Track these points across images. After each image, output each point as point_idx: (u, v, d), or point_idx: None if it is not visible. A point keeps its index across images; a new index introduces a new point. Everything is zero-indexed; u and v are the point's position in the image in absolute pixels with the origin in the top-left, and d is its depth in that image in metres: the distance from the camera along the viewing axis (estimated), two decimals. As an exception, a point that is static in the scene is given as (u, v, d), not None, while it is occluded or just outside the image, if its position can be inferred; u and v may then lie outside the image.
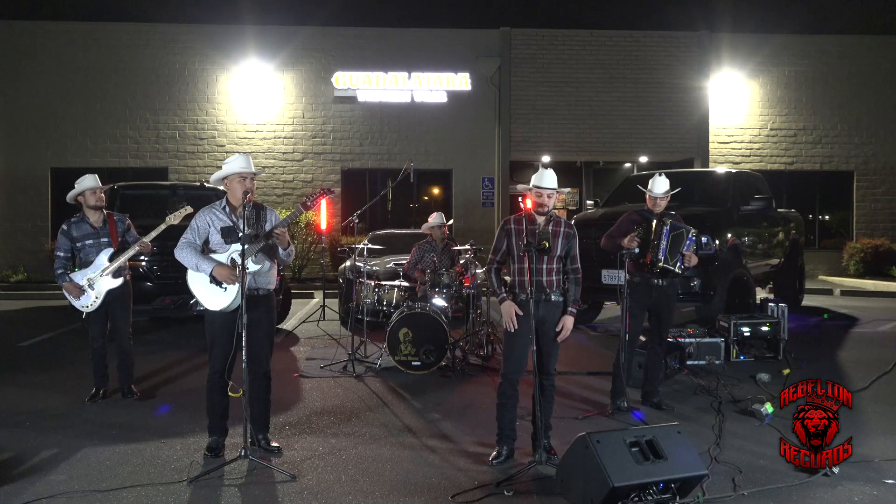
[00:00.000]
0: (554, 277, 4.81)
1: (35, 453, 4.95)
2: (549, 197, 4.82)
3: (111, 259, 6.11)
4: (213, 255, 4.81)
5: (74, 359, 8.08)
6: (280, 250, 4.85)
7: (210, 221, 4.86)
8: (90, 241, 6.15)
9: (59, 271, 6.12)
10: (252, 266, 4.71)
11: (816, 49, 18.22)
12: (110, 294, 6.17)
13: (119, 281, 6.18)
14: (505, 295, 4.84)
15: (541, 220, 4.83)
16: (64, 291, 6.15)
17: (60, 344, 9.14)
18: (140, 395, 6.38)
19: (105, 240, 6.17)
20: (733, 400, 6.32)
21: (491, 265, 4.96)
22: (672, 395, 6.44)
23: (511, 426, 4.87)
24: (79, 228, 6.18)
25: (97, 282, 6.10)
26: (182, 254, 4.82)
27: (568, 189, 18.92)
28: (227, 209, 4.89)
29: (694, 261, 6.02)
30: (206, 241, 4.87)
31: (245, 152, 4.97)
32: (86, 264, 6.15)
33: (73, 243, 6.17)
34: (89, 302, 6.12)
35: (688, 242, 5.96)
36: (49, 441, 5.21)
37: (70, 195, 6.29)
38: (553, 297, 4.79)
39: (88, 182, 6.23)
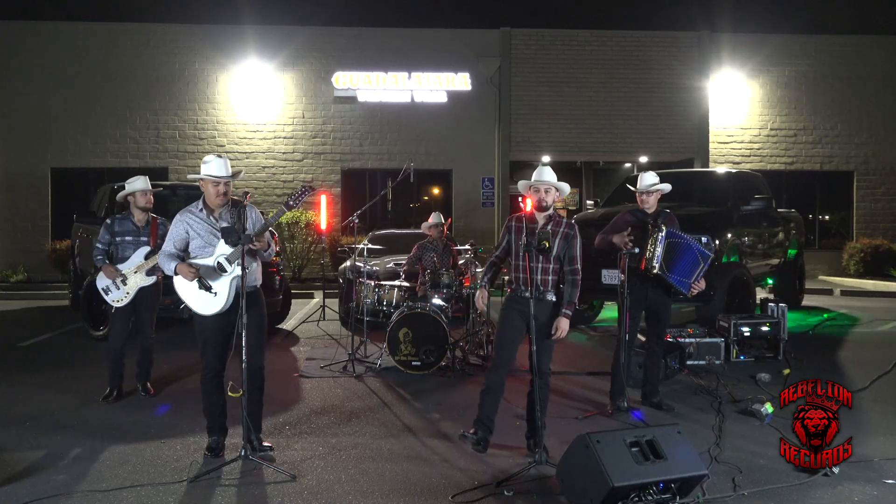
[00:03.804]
0: (549, 277, 4.84)
1: (35, 453, 4.95)
2: (546, 192, 4.87)
3: (147, 258, 6.28)
4: (199, 261, 4.70)
5: (74, 359, 8.09)
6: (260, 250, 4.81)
7: (188, 225, 4.76)
8: (129, 238, 6.36)
9: (99, 257, 6.34)
10: (237, 270, 4.64)
11: (816, 49, 18.22)
12: (141, 291, 6.33)
13: (152, 279, 6.35)
14: (483, 285, 5.05)
15: (542, 218, 4.89)
16: (100, 277, 6.32)
17: (60, 344, 9.13)
18: (154, 393, 6.50)
19: (144, 238, 6.38)
20: (733, 400, 6.31)
21: (490, 257, 5.13)
22: (672, 395, 6.43)
23: (489, 416, 4.90)
24: (121, 224, 6.39)
25: (130, 278, 6.29)
26: (160, 259, 4.82)
27: (568, 189, 18.86)
28: (205, 211, 4.81)
29: (701, 286, 6.01)
30: (187, 247, 4.78)
31: (222, 155, 4.88)
32: (120, 260, 6.33)
33: (113, 238, 6.37)
34: (121, 296, 6.30)
35: (705, 266, 5.93)
36: (49, 441, 5.21)
37: (120, 195, 6.53)
38: (547, 297, 4.82)
39: (140, 184, 6.41)
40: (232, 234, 4.59)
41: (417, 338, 7.23)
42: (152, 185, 6.61)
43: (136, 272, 6.29)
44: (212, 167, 4.74)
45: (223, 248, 4.66)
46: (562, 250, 4.86)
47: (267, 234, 4.80)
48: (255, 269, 4.88)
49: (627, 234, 5.85)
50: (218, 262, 4.70)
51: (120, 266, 6.31)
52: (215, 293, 4.69)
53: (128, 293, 6.31)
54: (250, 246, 4.61)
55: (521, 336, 4.88)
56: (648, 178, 6.07)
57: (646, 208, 6.08)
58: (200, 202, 4.85)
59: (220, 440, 4.92)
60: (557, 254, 4.85)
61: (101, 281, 6.36)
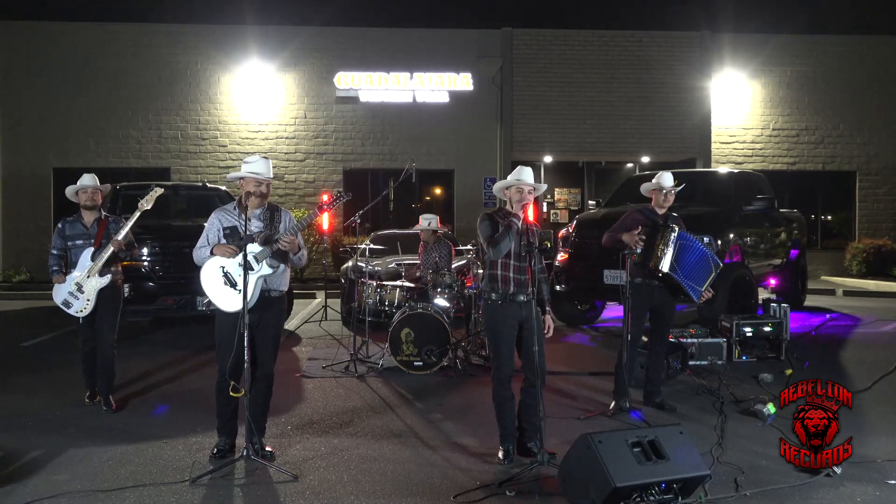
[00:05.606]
0: (529, 276, 4.83)
1: (37, 453, 4.96)
2: (529, 193, 4.86)
3: (94, 258, 5.95)
4: (226, 259, 4.78)
5: (76, 359, 8.04)
6: (290, 254, 4.83)
7: (220, 223, 4.85)
8: (80, 242, 6.04)
9: (54, 268, 6.05)
10: (266, 269, 4.72)
11: (818, 49, 18.20)
12: (100, 294, 5.98)
13: (107, 279, 5.97)
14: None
15: (521, 216, 4.83)
16: (55, 291, 6.00)
17: (63, 344, 9.14)
18: (116, 408, 6.04)
19: (94, 240, 6.04)
20: (735, 400, 6.30)
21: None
22: (674, 396, 6.43)
23: (513, 425, 4.88)
24: (72, 228, 6.10)
25: (86, 284, 5.94)
26: (195, 254, 4.87)
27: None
28: (237, 210, 4.89)
29: (710, 294, 6.04)
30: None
31: (266, 156, 4.92)
32: (74, 265, 6.01)
33: (65, 242, 6.08)
34: (83, 306, 5.97)
35: (715, 275, 5.95)
36: (51, 441, 5.22)
37: (68, 192, 6.23)
38: (529, 298, 4.78)
39: (84, 181, 6.12)
40: (234, 234, 4.71)
41: (419, 338, 7.23)
42: (153, 184, 6.48)
43: (89, 276, 5.92)
44: (256, 166, 4.81)
45: (252, 248, 4.68)
46: None
47: (299, 237, 4.84)
48: (282, 272, 4.88)
49: (638, 232, 5.84)
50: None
51: (73, 273, 5.94)
52: (239, 290, 4.70)
53: (88, 300, 5.93)
54: (278, 246, 4.68)
55: (515, 342, 4.85)
56: (670, 179, 6.06)
57: (662, 206, 6.06)
58: (236, 202, 4.94)
59: (229, 442, 4.91)
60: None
61: (58, 296, 5.97)
